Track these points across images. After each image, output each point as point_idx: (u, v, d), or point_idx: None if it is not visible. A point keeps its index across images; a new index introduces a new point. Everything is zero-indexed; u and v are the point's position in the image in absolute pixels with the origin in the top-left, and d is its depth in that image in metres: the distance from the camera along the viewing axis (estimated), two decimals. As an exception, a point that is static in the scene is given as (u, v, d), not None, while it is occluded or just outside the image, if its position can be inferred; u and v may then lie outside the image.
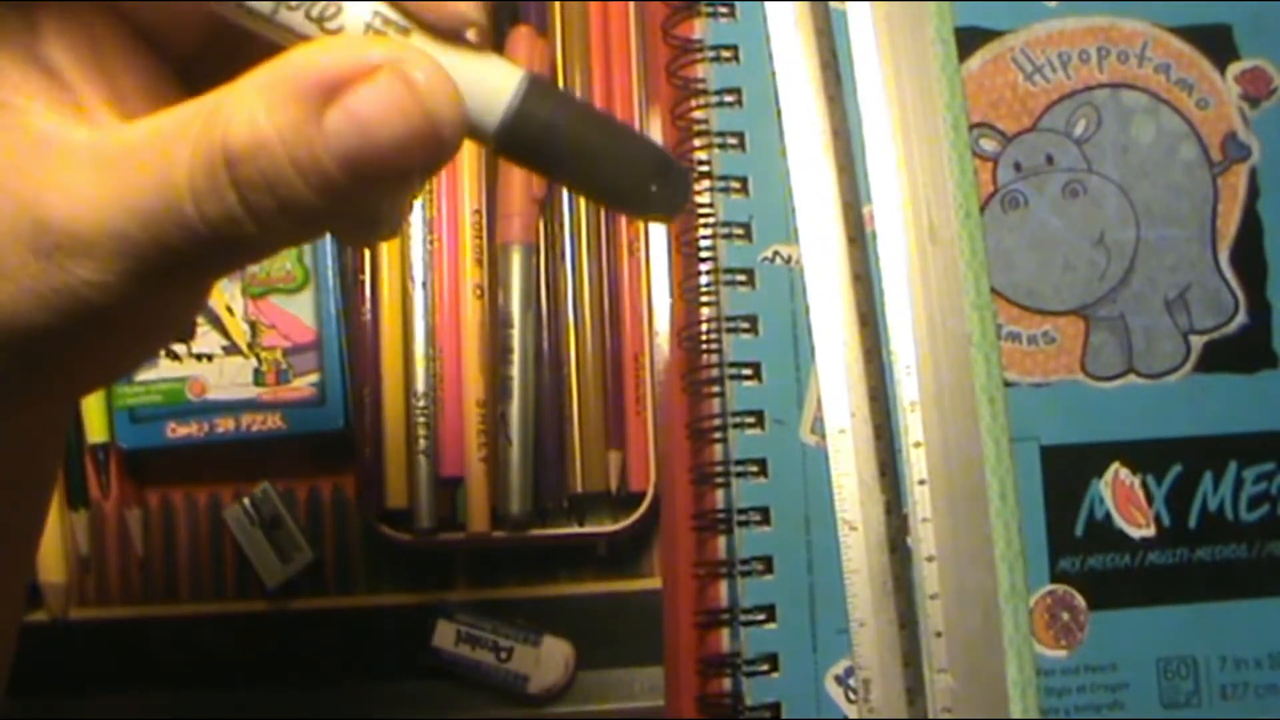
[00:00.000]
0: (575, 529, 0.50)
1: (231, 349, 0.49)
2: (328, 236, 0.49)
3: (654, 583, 0.50)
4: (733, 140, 0.47)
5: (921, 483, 0.45)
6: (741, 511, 0.45)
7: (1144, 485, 0.46)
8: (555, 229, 0.50)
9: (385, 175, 0.22)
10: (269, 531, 0.50)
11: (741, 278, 0.47)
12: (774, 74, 0.47)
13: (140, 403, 0.49)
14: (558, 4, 0.51)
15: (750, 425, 0.46)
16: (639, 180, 0.24)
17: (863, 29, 0.48)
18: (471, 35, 0.24)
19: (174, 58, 0.27)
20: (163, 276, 0.23)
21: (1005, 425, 0.46)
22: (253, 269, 0.49)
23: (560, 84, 0.51)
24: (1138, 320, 0.47)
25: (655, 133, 0.49)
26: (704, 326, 0.47)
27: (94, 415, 0.50)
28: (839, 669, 0.45)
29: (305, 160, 0.22)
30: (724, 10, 0.48)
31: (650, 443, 0.49)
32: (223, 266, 0.24)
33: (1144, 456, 0.46)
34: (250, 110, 0.21)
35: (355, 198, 0.22)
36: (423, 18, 0.23)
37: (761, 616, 0.45)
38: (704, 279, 0.47)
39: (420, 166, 0.23)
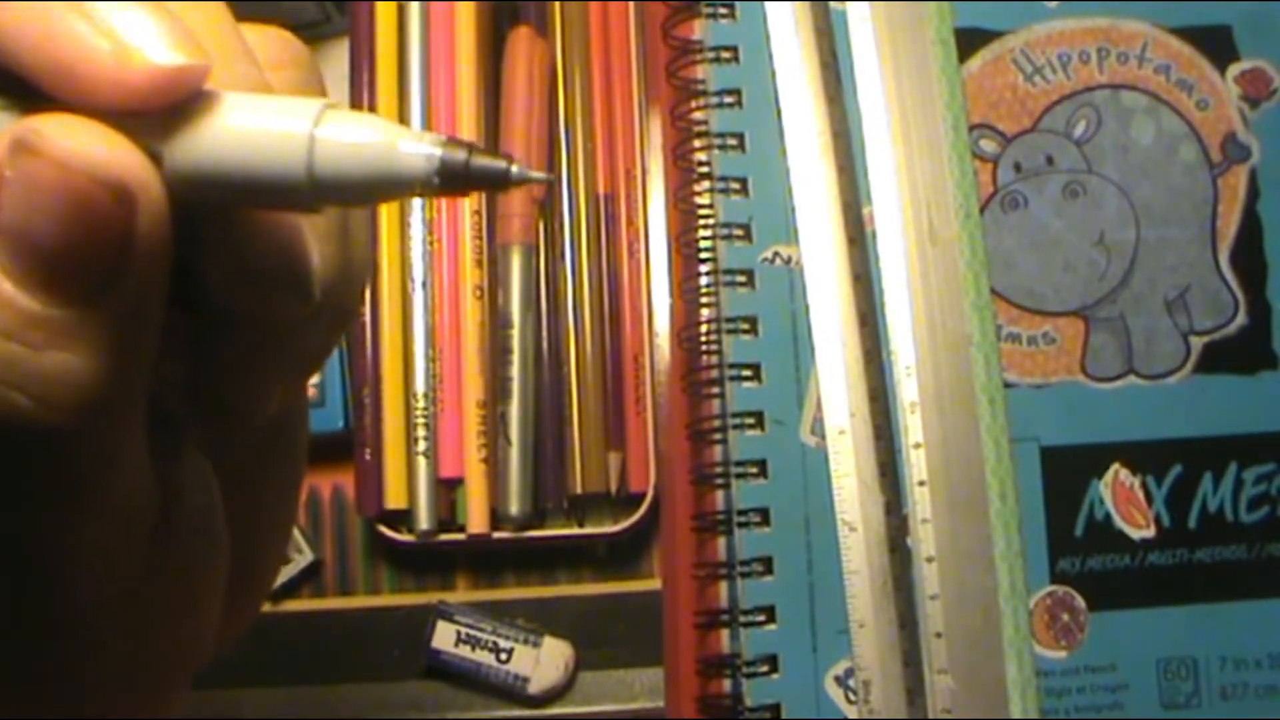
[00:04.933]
0: (575, 529, 0.50)
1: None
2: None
3: (654, 583, 0.50)
4: (733, 141, 0.47)
5: (921, 483, 0.45)
6: (741, 512, 0.45)
7: (1144, 486, 0.46)
8: (555, 229, 0.50)
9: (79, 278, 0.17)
10: (269, 532, 0.50)
11: (741, 278, 0.47)
12: (774, 74, 0.47)
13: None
14: (558, 4, 0.51)
15: (750, 426, 0.46)
16: None
17: (863, 29, 0.48)
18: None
19: None
20: None
21: (1005, 425, 0.46)
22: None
23: (560, 84, 0.51)
24: (1138, 321, 0.47)
25: (655, 133, 0.49)
26: (704, 327, 0.47)
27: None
28: (839, 669, 0.45)
29: None
30: (724, 11, 0.48)
31: (650, 443, 0.49)
32: None
33: (1144, 457, 0.46)
34: None
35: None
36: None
37: (761, 617, 0.45)
38: (704, 279, 0.47)
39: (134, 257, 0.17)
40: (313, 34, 0.54)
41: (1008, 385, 0.46)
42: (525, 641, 0.49)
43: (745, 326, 0.46)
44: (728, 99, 0.47)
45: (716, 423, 0.46)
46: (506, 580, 0.51)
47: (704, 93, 0.48)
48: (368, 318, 0.49)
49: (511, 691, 0.49)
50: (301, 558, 0.50)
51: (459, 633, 0.49)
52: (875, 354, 0.46)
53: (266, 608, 0.50)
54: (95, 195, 0.17)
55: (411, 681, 0.50)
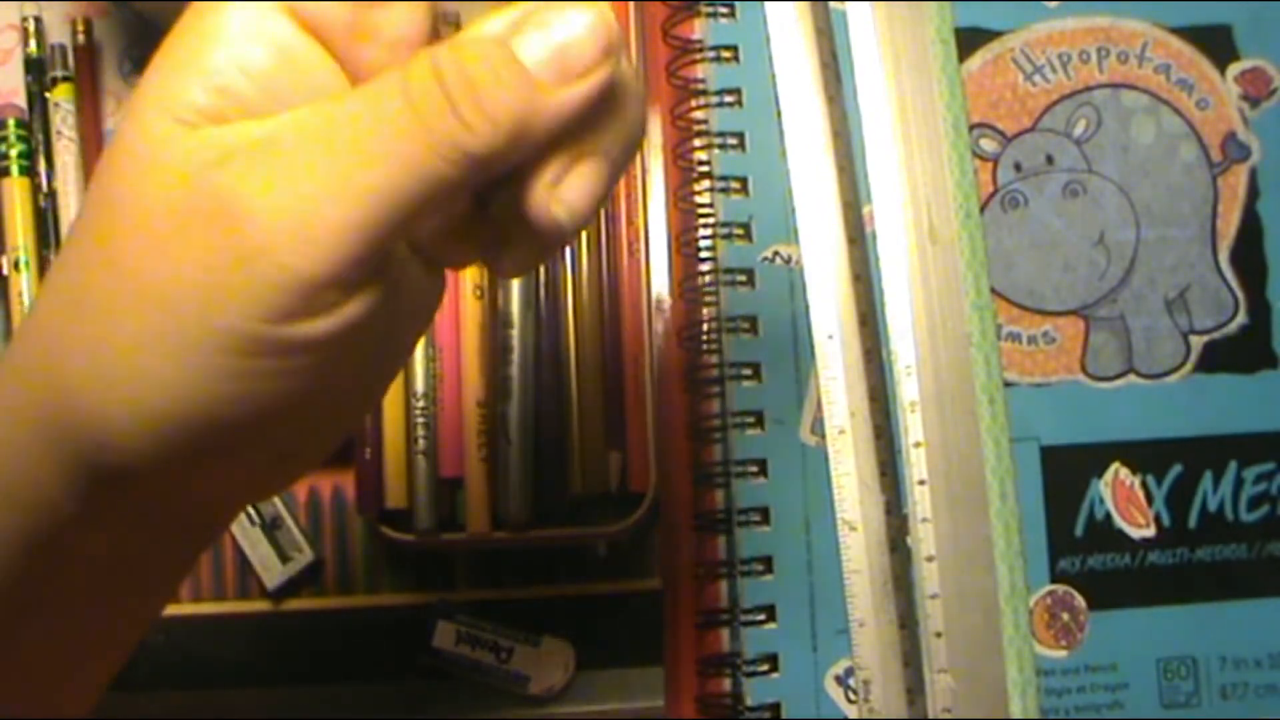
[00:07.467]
0: (575, 529, 0.50)
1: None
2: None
3: (654, 583, 0.50)
4: (733, 140, 0.47)
5: (921, 483, 0.45)
6: (741, 511, 0.45)
7: (1144, 485, 0.46)
8: (555, 229, 0.50)
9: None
10: (269, 531, 0.50)
11: (741, 278, 0.47)
12: (774, 74, 0.48)
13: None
14: (558, 4, 0.51)
15: (750, 425, 0.46)
16: None
17: (863, 29, 0.48)
18: None
19: None
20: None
21: (1005, 425, 0.46)
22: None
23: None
24: (1138, 320, 0.47)
25: (655, 132, 0.49)
26: (704, 326, 0.47)
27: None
28: (839, 669, 0.45)
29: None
30: (724, 10, 0.48)
31: (650, 443, 0.49)
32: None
33: (1144, 456, 0.46)
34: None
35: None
36: None
37: (761, 616, 0.45)
38: (704, 279, 0.47)
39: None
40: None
41: (1008, 385, 0.46)
42: (525, 641, 0.49)
43: (745, 326, 0.46)
44: (728, 98, 0.48)
45: (717, 422, 0.46)
46: (506, 580, 0.51)
47: (704, 92, 0.48)
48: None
49: (511, 691, 0.49)
50: (301, 557, 0.49)
51: (459, 632, 0.49)
52: (875, 354, 0.46)
53: (266, 608, 0.50)
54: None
55: (411, 681, 0.50)
